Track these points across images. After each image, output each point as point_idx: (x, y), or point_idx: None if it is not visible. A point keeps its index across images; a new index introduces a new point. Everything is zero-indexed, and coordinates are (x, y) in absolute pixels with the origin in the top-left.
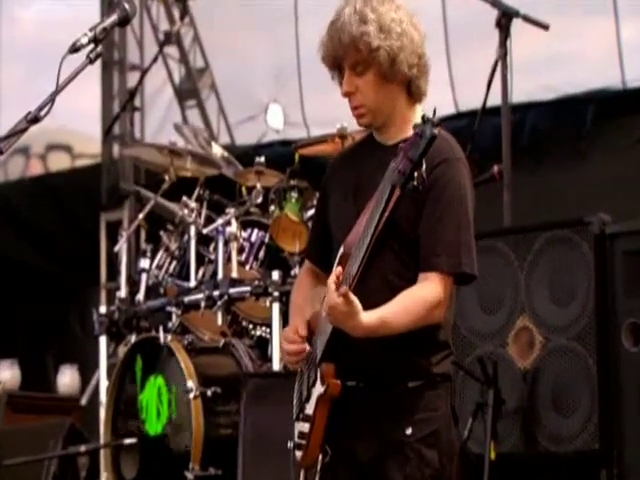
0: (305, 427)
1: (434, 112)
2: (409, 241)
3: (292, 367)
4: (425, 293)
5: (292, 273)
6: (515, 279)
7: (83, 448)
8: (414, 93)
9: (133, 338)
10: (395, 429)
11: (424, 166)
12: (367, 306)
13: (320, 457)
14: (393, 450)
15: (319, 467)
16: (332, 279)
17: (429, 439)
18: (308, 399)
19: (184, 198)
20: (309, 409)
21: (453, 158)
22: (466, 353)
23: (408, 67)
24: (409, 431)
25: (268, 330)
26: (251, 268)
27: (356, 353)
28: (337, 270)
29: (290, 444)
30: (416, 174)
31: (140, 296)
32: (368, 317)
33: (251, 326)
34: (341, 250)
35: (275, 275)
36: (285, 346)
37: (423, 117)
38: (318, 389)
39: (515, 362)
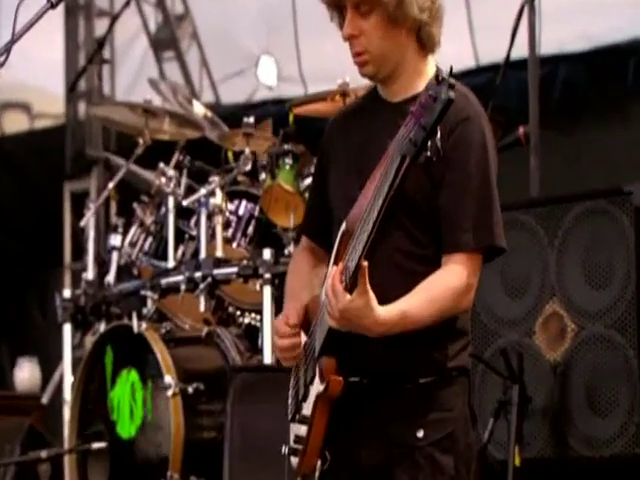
0: (302, 430)
1: (450, 70)
2: (422, 216)
3: (287, 365)
4: (452, 279)
5: (286, 252)
6: (544, 258)
7: (44, 454)
8: (425, 41)
9: (102, 327)
10: (405, 432)
11: (439, 133)
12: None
13: (318, 464)
14: (402, 456)
15: (317, 475)
16: (333, 278)
17: (444, 443)
18: (305, 398)
19: (161, 165)
20: (306, 409)
21: (474, 116)
22: (487, 344)
23: (418, 10)
24: (421, 434)
25: (258, 317)
26: (239, 246)
27: (360, 345)
28: (337, 268)
29: (285, 449)
30: (430, 144)
31: (110, 278)
32: (387, 312)
33: (239, 313)
34: (343, 226)
35: (266, 254)
36: (277, 341)
37: (437, 76)
38: (317, 387)
39: (543, 354)
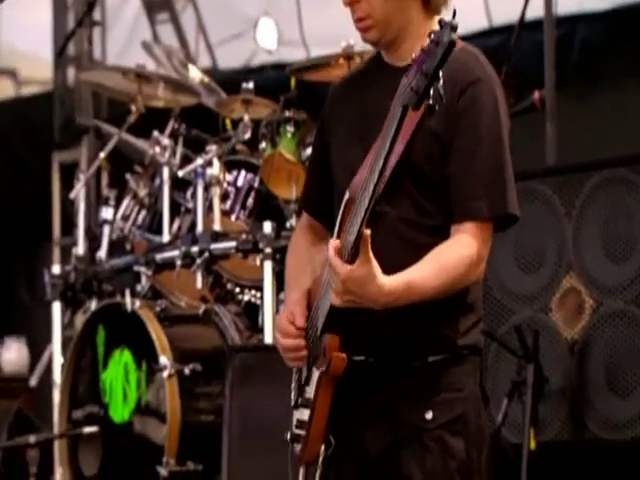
0: (305, 414)
1: (454, 14)
2: (431, 185)
3: (290, 365)
4: (462, 249)
5: (288, 225)
6: (560, 229)
7: (33, 439)
8: (431, 2)
9: (93, 305)
10: (412, 413)
11: (441, 81)
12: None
13: (322, 449)
14: (410, 439)
15: (321, 461)
16: (331, 251)
17: (454, 425)
18: (308, 381)
19: (155, 133)
20: (309, 393)
21: (485, 78)
22: (500, 320)
23: None
24: (429, 415)
25: (258, 294)
26: (237, 219)
27: (365, 322)
28: (336, 241)
29: (287, 436)
30: (432, 91)
31: (102, 253)
32: (392, 281)
33: (238, 289)
34: (346, 195)
35: (267, 227)
36: (280, 340)
37: (440, 21)
38: (320, 367)
39: (560, 331)
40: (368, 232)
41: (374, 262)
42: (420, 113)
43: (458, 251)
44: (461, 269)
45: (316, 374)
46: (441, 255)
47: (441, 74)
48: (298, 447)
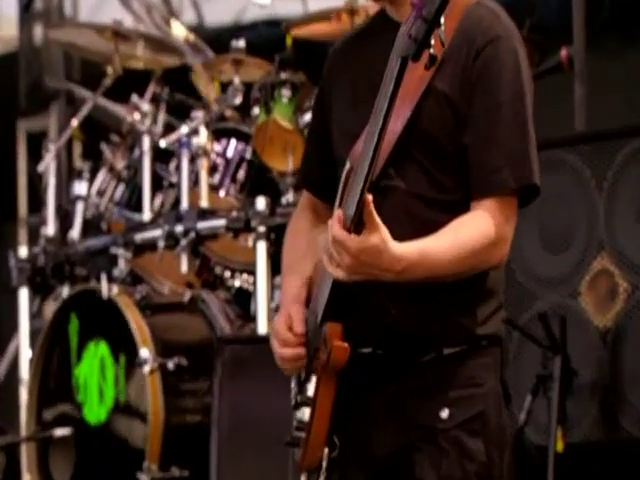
0: (305, 414)
1: None
2: (445, 154)
3: (287, 374)
4: (484, 226)
5: (284, 200)
6: (591, 204)
7: None
8: None
9: (65, 291)
10: (426, 412)
11: (443, 27)
12: None
13: (325, 452)
14: (423, 440)
15: (324, 465)
16: (335, 225)
17: (472, 424)
18: (308, 377)
19: (134, 98)
20: (310, 390)
21: (505, 35)
22: (523, 307)
23: None
24: (445, 414)
25: (251, 279)
26: (227, 194)
27: (370, 309)
28: (337, 212)
29: (287, 439)
30: (433, 40)
31: (74, 233)
32: (404, 247)
33: (228, 274)
34: (347, 165)
35: (260, 203)
36: (277, 349)
37: None
38: (321, 359)
39: (591, 318)
40: (370, 197)
41: (383, 227)
42: (429, 73)
43: (479, 228)
44: (481, 248)
45: (318, 367)
46: (460, 229)
47: (443, 20)
48: (299, 451)
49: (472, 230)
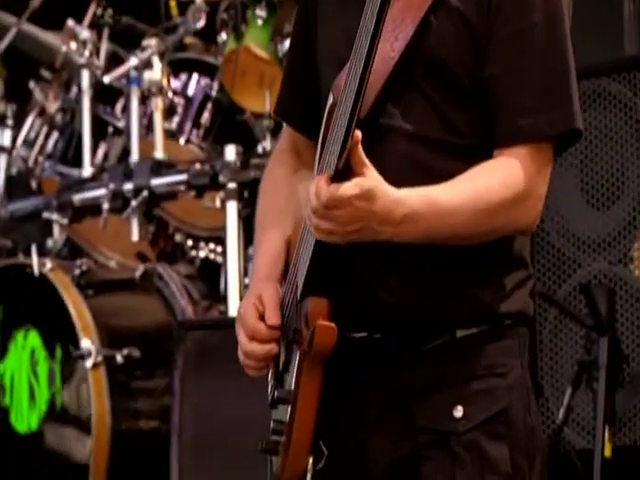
0: (285, 413)
1: None
2: (459, 87)
3: (250, 373)
4: (510, 175)
5: (259, 149)
6: None
7: None
8: None
9: None
10: (435, 411)
11: None
12: None
13: (310, 461)
14: (432, 447)
15: (309, 477)
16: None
17: (494, 425)
18: (287, 366)
19: (69, 23)
20: (289, 382)
21: None
22: (560, 277)
23: None
24: (459, 413)
25: (219, 249)
26: (188, 142)
27: (364, 281)
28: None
29: (261, 445)
30: None
31: None
32: (404, 191)
33: (190, 243)
34: (330, 98)
35: (230, 153)
36: (243, 341)
37: None
38: (301, 343)
39: None
40: (359, 134)
41: (373, 170)
42: None
43: (504, 179)
44: (507, 204)
45: (297, 355)
46: (479, 177)
47: None
48: (277, 461)
49: (496, 181)
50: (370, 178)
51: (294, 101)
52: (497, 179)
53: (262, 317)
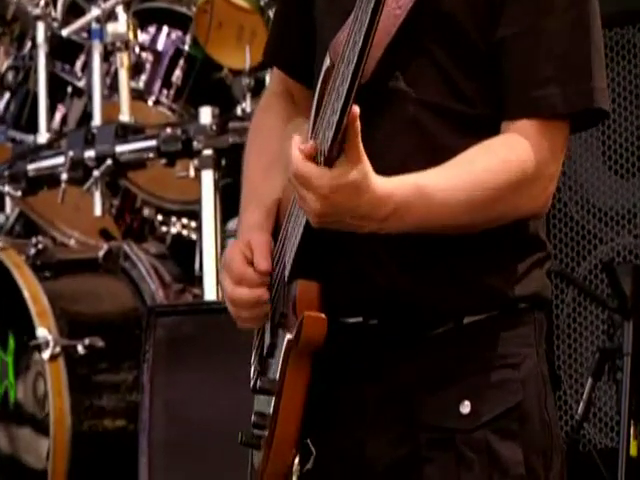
0: (268, 404)
1: None
2: (473, 51)
3: (245, 326)
4: (517, 153)
5: (238, 111)
6: None
7: None
8: None
9: None
10: (439, 407)
11: None
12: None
13: (296, 462)
14: (436, 447)
15: (294, 479)
16: (297, 152)
17: (505, 422)
18: (272, 352)
19: None
20: (273, 371)
21: None
22: (580, 253)
23: None
24: (466, 409)
25: (193, 224)
26: (158, 103)
27: (359, 261)
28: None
29: (240, 438)
30: None
31: None
32: (392, 184)
33: (160, 218)
34: (326, 60)
35: (205, 115)
36: (230, 289)
37: None
38: (288, 330)
39: None
40: (357, 111)
41: (365, 158)
42: None
43: (507, 158)
44: (510, 187)
45: (283, 343)
46: (479, 157)
47: None
48: (259, 456)
49: (497, 161)
50: (355, 169)
51: (286, 45)
52: (499, 159)
53: (250, 263)
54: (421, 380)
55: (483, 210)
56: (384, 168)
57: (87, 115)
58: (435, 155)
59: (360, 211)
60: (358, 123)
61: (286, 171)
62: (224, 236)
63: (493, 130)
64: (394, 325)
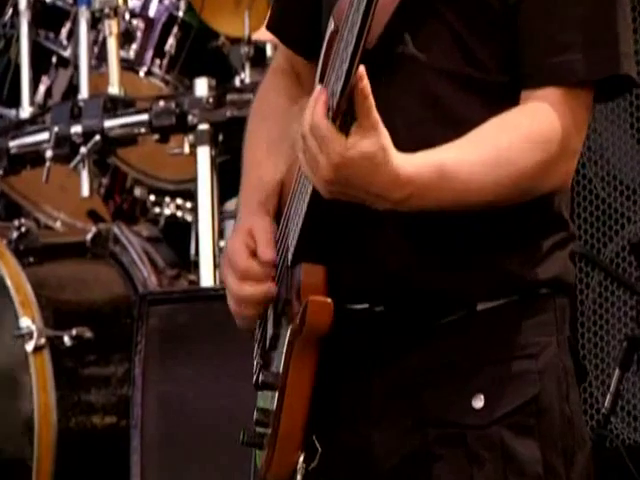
0: (272, 400)
1: None
2: (486, 12)
3: (244, 326)
4: (540, 126)
5: (237, 83)
6: None
7: None
8: None
9: None
10: (450, 399)
11: None
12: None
13: (301, 460)
14: (446, 443)
15: (299, 478)
16: (313, 110)
17: (521, 417)
18: (275, 343)
19: None
20: (276, 364)
21: None
22: (606, 234)
23: None
24: (479, 403)
25: (188, 205)
26: (150, 74)
27: (367, 243)
28: (317, 91)
29: (243, 437)
30: None
31: None
32: (413, 163)
33: (152, 198)
34: (331, 24)
35: (201, 87)
36: (233, 284)
37: None
38: (291, 319)
39: None
40: (363, 72)
41: (383, 129)
42: None
43: (531, 133)
44: (535, 165)
45: (288, 332)
46: (502, 132)
47: None
48: (262, 455)
49: (522, 136)
50: (366, 142)
51: (291, 17)
52: (522, 134)
53: (254, 254)
54: (430, 372)
55: (507, 189)
56: (395, 141)
57: (73, 87)
58: (448, 123)
59: (373, 189)
60: (367, 86)
61: (292, 150)
62: (221, 218)
63: (508, 96)
64: (401, 312)
